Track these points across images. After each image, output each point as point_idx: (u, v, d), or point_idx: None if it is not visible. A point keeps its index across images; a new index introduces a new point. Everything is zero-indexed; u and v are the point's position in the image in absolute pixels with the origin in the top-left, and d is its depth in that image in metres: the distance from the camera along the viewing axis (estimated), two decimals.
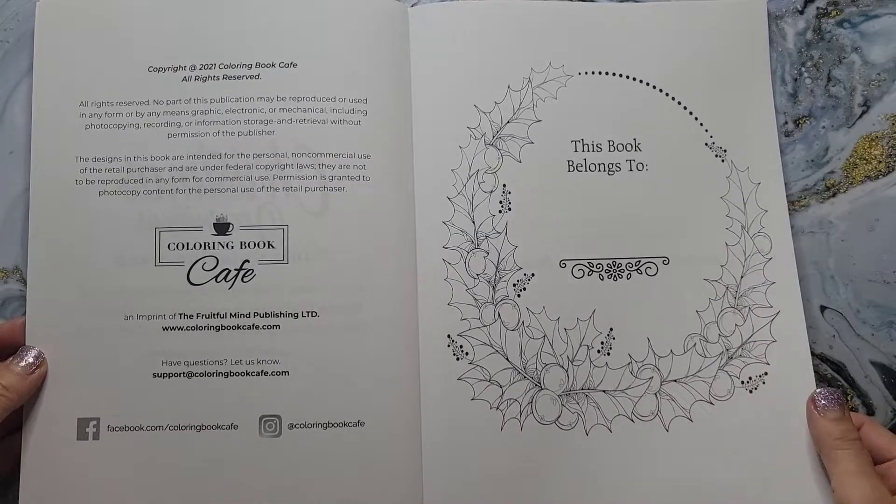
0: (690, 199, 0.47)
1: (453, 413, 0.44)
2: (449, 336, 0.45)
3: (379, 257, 0.44)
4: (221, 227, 0.44)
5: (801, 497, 0.43)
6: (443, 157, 0.46)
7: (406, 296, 0.45)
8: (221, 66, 0.46)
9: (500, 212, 0.46)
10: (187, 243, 0.44)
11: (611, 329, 0.45)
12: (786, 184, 0.48)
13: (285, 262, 0.44)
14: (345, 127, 0.45)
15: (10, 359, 0.43)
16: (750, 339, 0.45)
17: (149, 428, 0.43)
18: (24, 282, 0.45)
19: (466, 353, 0.45)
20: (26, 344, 0.43)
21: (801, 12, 0.49)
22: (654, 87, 0.48)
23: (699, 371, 0.45)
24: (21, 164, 0.46)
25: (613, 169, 0.47)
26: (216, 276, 0.44)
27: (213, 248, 0.44)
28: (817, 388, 0.44)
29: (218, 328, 0.44)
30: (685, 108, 0.48)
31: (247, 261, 0.44)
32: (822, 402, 0.42)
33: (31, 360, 0.42)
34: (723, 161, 0.47)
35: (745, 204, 0.47)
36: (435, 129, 0.47)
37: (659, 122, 0.48)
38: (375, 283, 0.44)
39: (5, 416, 0.41)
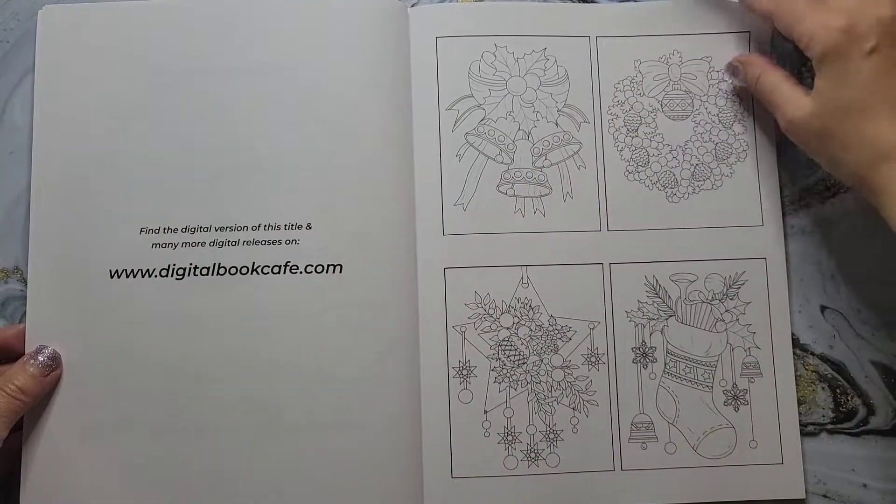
0: None
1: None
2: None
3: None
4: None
5: None
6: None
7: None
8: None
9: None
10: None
11: None
12: (786, 184, 0.48)
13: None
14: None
15: (25, 358, 0.42)
16: None
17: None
18: (25, 282, 0.45)
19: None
20: (25, 347, 0.43)
21: None
22: None
23: None
24: (21, 164, 0.46)
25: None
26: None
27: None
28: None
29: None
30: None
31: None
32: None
33: (45, 360, 0.42)
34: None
35: None
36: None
37: None
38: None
39: (17, 418, 0.41)
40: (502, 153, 0.47)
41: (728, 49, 0.48)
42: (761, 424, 0.46)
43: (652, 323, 0.46)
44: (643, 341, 0.46)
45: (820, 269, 0.47)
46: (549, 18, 0.48)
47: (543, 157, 0.47)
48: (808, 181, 0.48)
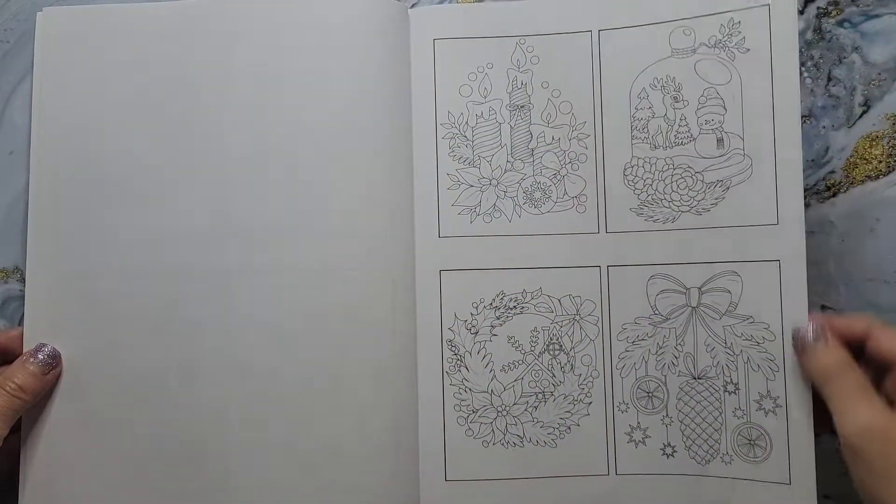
0: None
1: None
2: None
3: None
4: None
5: None
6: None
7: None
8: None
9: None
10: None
11: None
12: None
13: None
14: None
15: (25, 356, 0.42)
16: None
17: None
18: (25, 282, 0.45)
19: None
20: (24, 347, 0.43)
21: (802, 12, 0.49)
22: None
23: None
24: (21, 164, 0.46)
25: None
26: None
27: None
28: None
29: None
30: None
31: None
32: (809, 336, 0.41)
33: (45, 358, 0.42)
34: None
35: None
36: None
37: None
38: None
39: (17, 417, 0.41)
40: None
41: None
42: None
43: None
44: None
45: (820, 269, 0.47)
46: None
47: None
48: (809, 181, 0.48)
